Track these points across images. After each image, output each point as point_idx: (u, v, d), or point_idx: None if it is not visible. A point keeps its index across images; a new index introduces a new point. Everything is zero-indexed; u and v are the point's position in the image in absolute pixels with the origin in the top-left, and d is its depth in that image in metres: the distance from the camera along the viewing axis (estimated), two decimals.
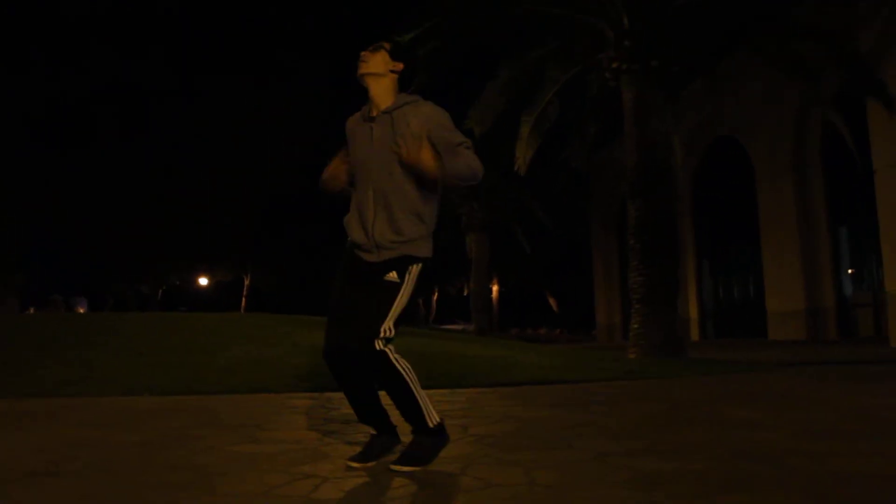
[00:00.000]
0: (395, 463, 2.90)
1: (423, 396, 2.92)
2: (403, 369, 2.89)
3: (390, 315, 2.88)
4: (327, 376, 6.77)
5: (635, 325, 11.34)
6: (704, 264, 26.38)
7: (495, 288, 42.33)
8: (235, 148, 33.79)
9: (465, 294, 41.43)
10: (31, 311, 38.98)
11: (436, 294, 49.84)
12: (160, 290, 45.95)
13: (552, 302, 48.07)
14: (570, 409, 4.92)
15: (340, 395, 5.63)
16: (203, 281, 45.85)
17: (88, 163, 31.82)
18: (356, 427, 4.01)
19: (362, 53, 3.07)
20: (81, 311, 48.33)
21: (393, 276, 2.93)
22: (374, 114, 3.04)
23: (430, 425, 2.93)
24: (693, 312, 25.80)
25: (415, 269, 2.98)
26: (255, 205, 35.95)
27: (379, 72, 3.05)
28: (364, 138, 3.04)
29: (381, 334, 2.84)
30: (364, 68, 3.05)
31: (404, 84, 3.11)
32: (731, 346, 17.39)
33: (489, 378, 6.80)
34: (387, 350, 2.86)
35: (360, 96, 3.16)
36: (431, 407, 2.95)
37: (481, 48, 15.25)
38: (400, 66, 3.08)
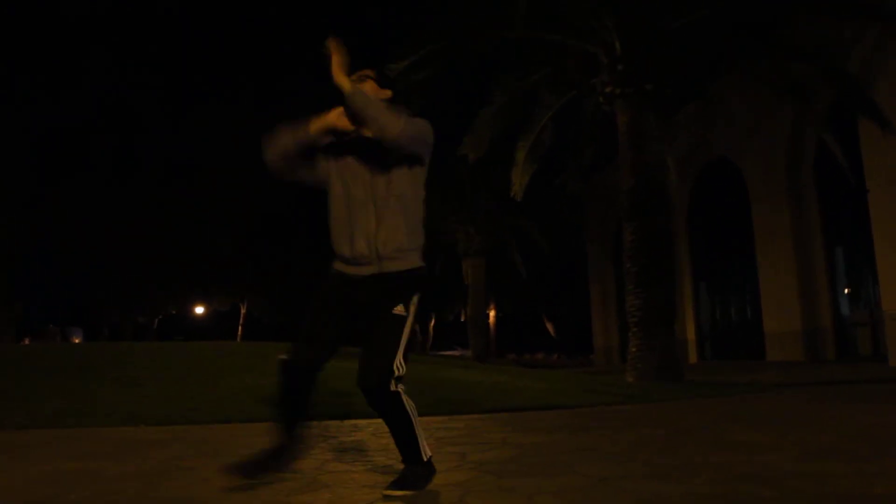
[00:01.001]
0: (389, 487, 2.89)
1: (420, 432, 2.95)
2: (410, 408, 2.91)
3: (400, 350, 2.89)
4: (326, 405, 6.71)
5: (633, 349, 11.32)
6: (701, 286, 26.37)
7: (492, 313, 42.26)
8: (230, 175, 33.87)
9: (462, 320, 41.34)
10: (27, 341, 38.86)
11: (433, 320, 49.73)
12: (156, 320, 45.79)
13: (549, 326, 47.97)
14: (570, 434, 4.89)
15: (338, 423, 5.61)
16: (199, 310, 45.75)
17: (83, 192, 31.88)
18: (354, 455, 3.99)
19: None
20: (77, 340, 48.23)
21: (400, 309, 2.92)
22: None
23: (423, 458, 2.95)
24: (690, 334, 25.76)
25: (415, 300, 2.98)
26: (251, 232, 35.99)
27: None
28: (360, 148, 3.02)
29: (395, 373, 2.86)
30: None
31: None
32: (729, 367, 17.33)
33: (487, 404, 6.77)
34: (399, 391, 2.88)
35: None
36: (425, 441, 2.98)
37: (475, 74, 15.37)
38: (388, 93, 3.09)
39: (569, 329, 45.47)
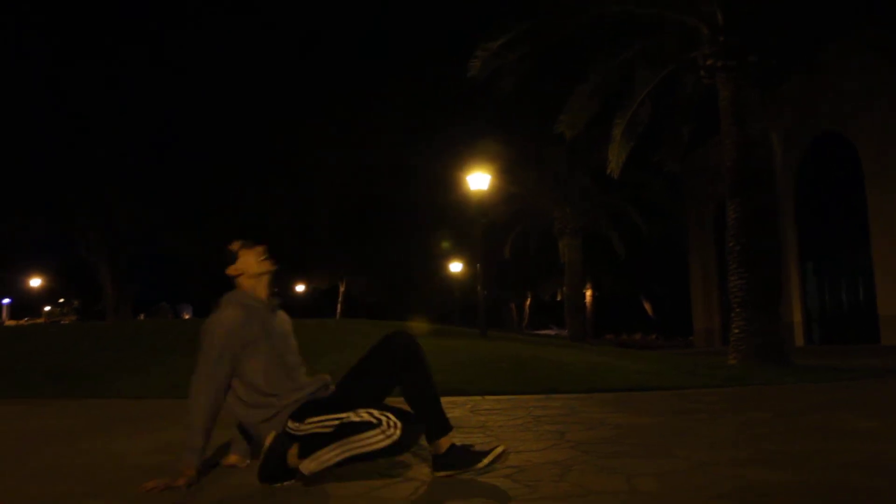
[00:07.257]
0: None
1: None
2: None
3: None
4: None
5: (736, 330, 10.97)
6: (808, 266, 25.29)
7: (589, 293, 41.76)
8: (329, 158, 34.62)
9: (559, 299, 41.06)
10: (142, 317, 41.10)
11: (529, 299, 49.60)
12: None
13: (647, 306, 47.09)
14: (670, 417, 4.80)
15: None
16: (300, 288, 47.12)
17: (189, 179, 33.35)
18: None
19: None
20: (187, 316, 50.60)
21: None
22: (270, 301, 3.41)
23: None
24: (797, 316, 24.77)
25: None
26: (350, 212, 36.76)
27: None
28: (282, 325, 3.46)
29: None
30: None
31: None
32: (839, 351, 16.58)
33: (585, 384, 6.72)
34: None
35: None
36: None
37: (571, 51, 15.10)
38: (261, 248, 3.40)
39: (667, 309, 44.52)
